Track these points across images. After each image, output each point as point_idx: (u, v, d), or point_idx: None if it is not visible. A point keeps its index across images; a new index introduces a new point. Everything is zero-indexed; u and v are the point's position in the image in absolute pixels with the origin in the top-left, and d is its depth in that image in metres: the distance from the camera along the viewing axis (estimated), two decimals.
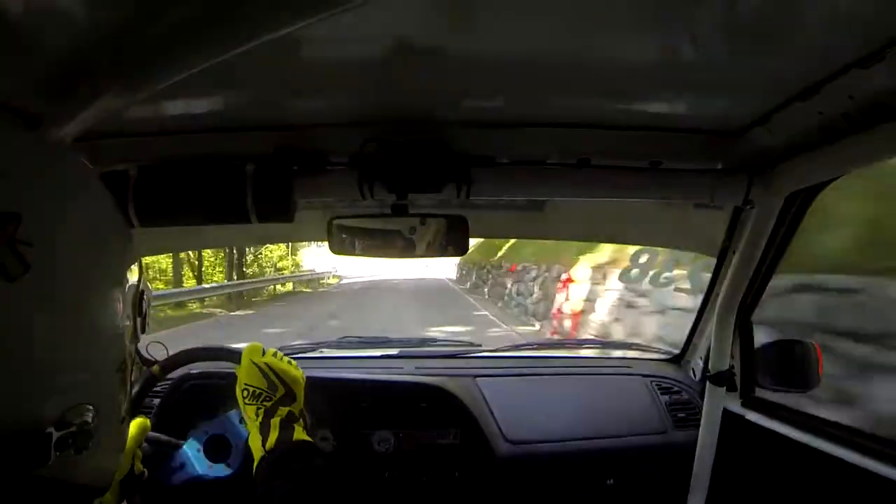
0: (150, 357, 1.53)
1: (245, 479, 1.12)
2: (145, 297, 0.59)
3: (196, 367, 1.35)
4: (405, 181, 1.04)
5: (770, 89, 0.86)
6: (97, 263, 0.53)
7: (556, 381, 1.58)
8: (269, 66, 0.80)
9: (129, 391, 0.58)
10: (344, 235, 1.17)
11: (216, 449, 1.11)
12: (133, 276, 0.58)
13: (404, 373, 1.56)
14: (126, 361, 0.55)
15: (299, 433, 0.89)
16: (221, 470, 1.10)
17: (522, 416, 1.47)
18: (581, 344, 1.83)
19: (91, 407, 0.49)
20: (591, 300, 7.73)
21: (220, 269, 19.43)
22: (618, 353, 1.83)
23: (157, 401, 1.34)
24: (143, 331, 0.62)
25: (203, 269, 18.94)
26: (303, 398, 0.95)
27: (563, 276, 8.77)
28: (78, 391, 0.48)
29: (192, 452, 1.11)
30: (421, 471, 1.42)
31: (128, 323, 0.57)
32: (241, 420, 1.11)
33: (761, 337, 1.36)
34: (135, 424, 1.08)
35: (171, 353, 1.19)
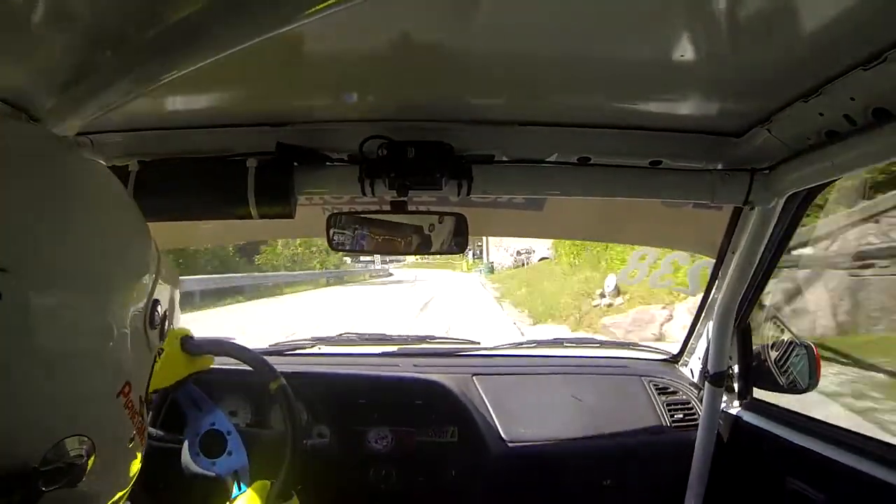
0: None
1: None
2: (159, 307, 0.54)
3: None
4: (405, 178, 1.03)
5: (771, 90, 0.86)
6: (90, 282, 0.47)
7: (554, 380, 1.58)
8: (271, 63, 0.79)
9: (144, 409, 0.54)
10: (343, 231, 1.17)
11: (212, 443, 1.11)
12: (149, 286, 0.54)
13: (402, 370, 1.56)
14: (130, 383, 0.50)
15: None
16: (209, 466, 1.10)
17: (520, 415, 1.47)
18: (579, 343, 1.82)
19: (86, 438, 0.45)
20: None
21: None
22: (615, 353, 1.82)
23: (155, 395, 1.33)
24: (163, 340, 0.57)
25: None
26: None
27: None
28: (67, 424, 0.44)
29: (193, 433, 1.12)
30: (418, 469, 1.42)
31: (145, 340, 0.53)
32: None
33: (759, 338, 1.37)
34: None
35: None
